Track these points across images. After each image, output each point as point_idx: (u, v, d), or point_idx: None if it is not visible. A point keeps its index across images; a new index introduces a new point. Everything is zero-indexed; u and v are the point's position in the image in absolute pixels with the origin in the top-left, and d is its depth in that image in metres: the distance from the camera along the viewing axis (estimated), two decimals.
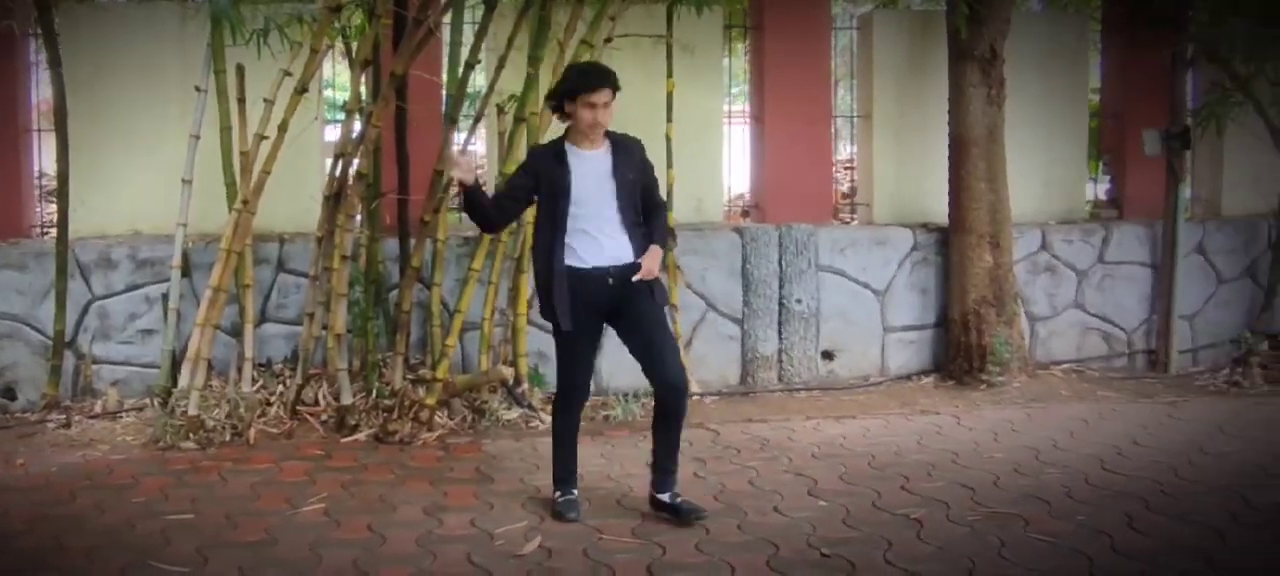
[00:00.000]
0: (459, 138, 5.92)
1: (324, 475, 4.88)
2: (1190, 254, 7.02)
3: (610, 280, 4.15)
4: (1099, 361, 7.00)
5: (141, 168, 6.26)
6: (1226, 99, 6.74)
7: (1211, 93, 6.93)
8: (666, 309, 4.72)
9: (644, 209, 4.27)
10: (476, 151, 6.73)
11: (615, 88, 4.15)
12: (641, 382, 6.27)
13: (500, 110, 5.98)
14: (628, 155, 4.24)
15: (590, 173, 4.15)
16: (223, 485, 4.76)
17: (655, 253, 4.19)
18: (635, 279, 4.12)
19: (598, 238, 4.15)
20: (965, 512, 4.35)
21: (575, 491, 4.36)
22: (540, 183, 4.20)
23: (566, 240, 4.15)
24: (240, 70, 5.61)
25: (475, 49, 5.75)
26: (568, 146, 4.20)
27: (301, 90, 5.43)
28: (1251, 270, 7.19)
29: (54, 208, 6.85)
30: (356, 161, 5.64)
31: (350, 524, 4.26)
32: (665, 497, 4.25)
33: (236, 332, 5.90)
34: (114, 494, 4.64)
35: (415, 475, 4.89)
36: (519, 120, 5.74)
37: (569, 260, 4.15)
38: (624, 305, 4.20)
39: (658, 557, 3.89)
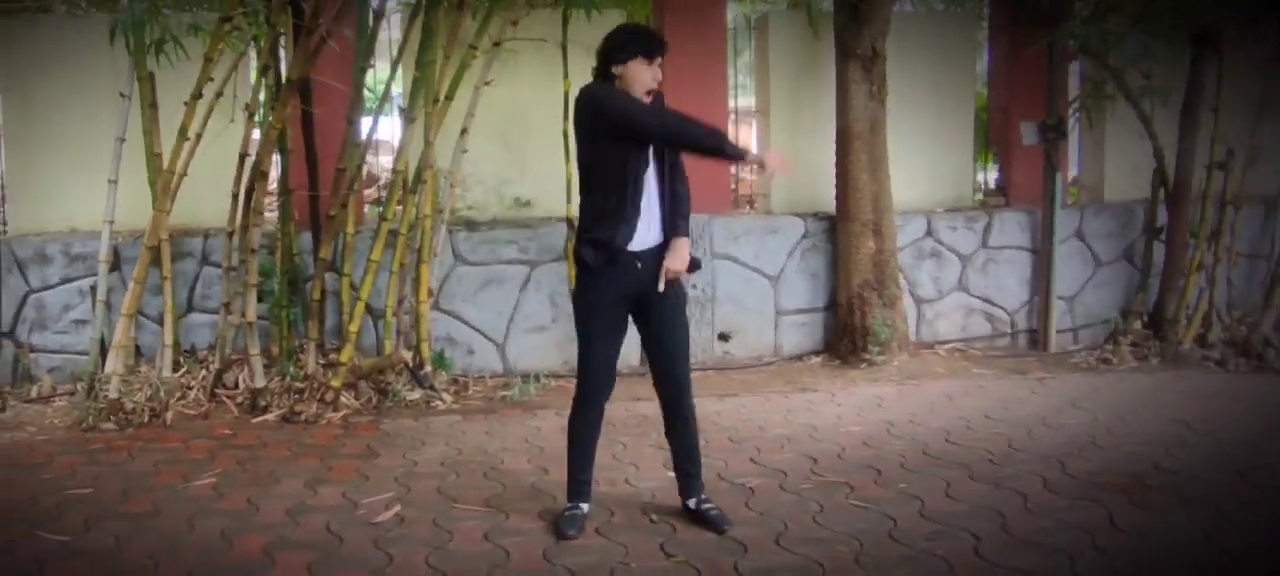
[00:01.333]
0: (362, 136, 6.16)
1: (225, 452, 5.16)
2: (1069, 238, 7.24)
3: (639, 265, 3.78)
4: (983, 341, 7.24)
5: (75, 168, 6.53)
6: (1100, 92, 6.94)
7: (1088, 86, 7.13)
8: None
9: (672, 178, 3.82)
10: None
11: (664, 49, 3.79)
12: (545, 364, 6.64)
13: (402, 110, 6.23)
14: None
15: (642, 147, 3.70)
16: (130, 462, 5.03)
17: (683, 245, 3.78)
18: (666, 276, 3.76)
19: (641, 215, 3.72)
20: (799, 481, 4.58)
21: (584, 505, 4.04)
22: (614, 126, 3.67)
23: (627, 214, 3.68)
24: (151, 78, 5.87)
25: (365, 54, 5.99)
26: None
27: (196, 96, 5.69)
28: (1128, 253, 7.40)
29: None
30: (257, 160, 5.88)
31: (233, 496, 4.53)
32: (691, 503, 4.03)
33: (163, 321, 6.17)
34: (27, 472, 4.91)
35: (309, 452, 5.16)
36: (409, 121, 6.00)
37: (623, 239, 3.71)
38: (648, 293, 3.82)
39: (500, 522, 4.16)
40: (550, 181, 6.72)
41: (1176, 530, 3.92)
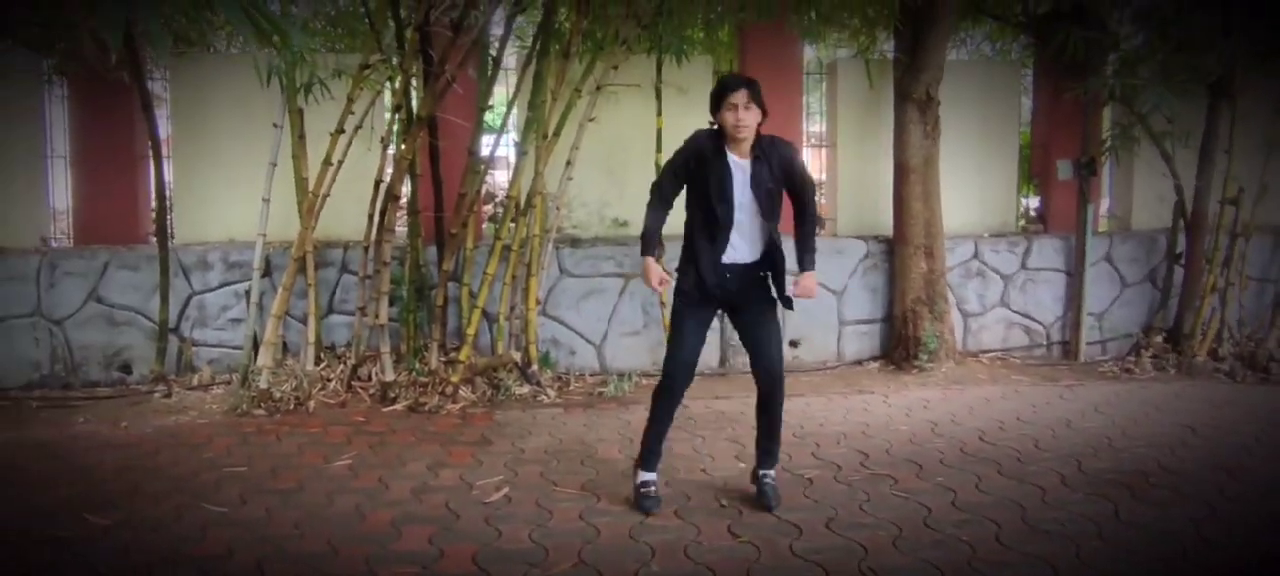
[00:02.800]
0: (481, 165, 5.86)
1: (359, 437, 4.87)
2: (1098, 262, 6.74)
3: (728, 275, 3.69)
4: (1021, 351, 6.73)
5: (233, 186, 6.32)
6: (1128, 134, 6.46)
7: (1118, 128, 6.65)
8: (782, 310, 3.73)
9: (796, 211, 3.81)
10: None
11: (753, 90, 3.61)
12: (637, 364, 6.27)
13: (516, 144, 5.93)
14: (769, 164, 3.66)
15: (736, 177, 3.63)
16: (278, 444, 4.77)
17: (810, 280, 3.80)
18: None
19: (733, 236, 3.66)
20: (850, 474, 4.25)
21: (654, 475, 3.89)
22: (694, 164, 3.65)
23: (707, 229, 3.65)
24: (299, 112, 5.63)
25: (485, 97, 5.71)
26: (725, 145, 3.66)
27: (340, 130, 5.43)
28: (1151, 275, 6.87)
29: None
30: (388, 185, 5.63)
31: (366, 476, 4.24)
32: (759, 473, 3.89)
33: (307, 321, 5.93)
34: (191, 450, 4.68)
35: (431, 438, 4.86)
36: (522, 153, 5.69)
37: (704, 250, 3.66)
38: (741, 301, 3.74)
39: (593, 505, 3.82)
40: (644, 205, 6.33)
41: (1171, 521, 3.69)
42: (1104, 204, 7.44)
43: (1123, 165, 7.01)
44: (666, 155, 6.21)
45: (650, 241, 3.66)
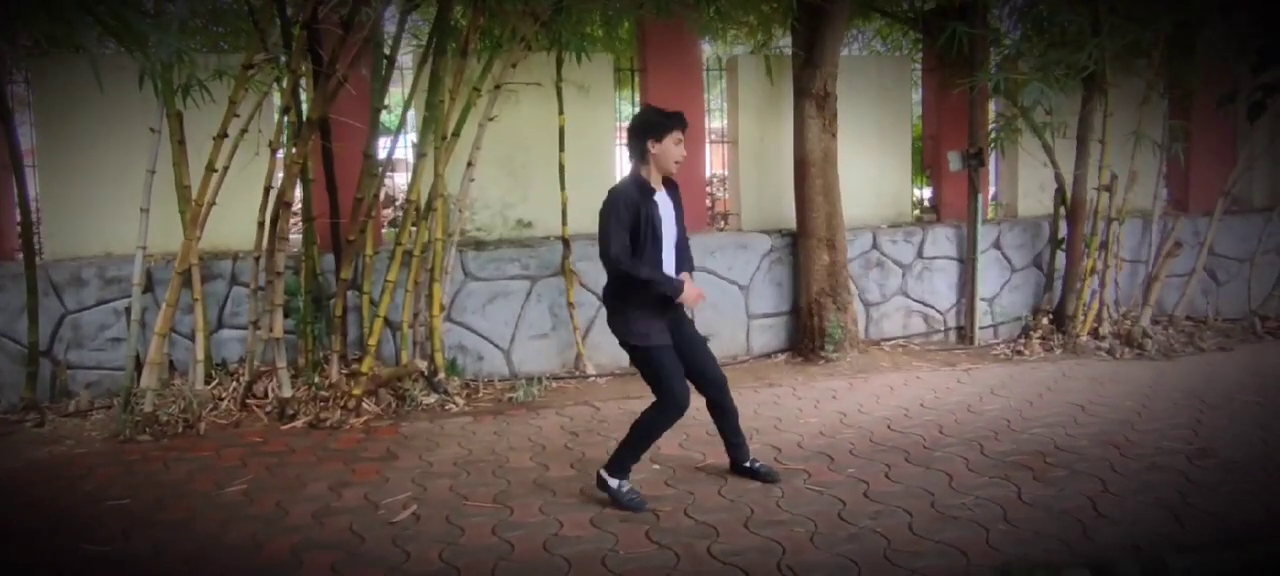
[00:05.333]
0: (377, 168, 5.60)
1: (255, 459, 4.57)
2: (988, 249, 6.95)
3: (674, 300, 3.76)
4: (920, 337, 6.88)
5: (108, 197, 5.86)
6: (1011, 126, 6.68)
7: (1002, 121, 6.87)
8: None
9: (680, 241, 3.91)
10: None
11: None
12: (546, 367, 6.11)
13: (413, 145, 5.68)
14: (677, 195, 3.86)
15: (663, 208, 3.73)
16: (165, 472, 4.42)
17: (692, 283, 3.86)
18: (689, 303, 3.79)
19: (667, 265, 3.76)
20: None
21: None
22: (637, 218, 3.64)
23: (661, 265, 3.72)
24: (179, 116, 5.25)
25: (379, 97, 5.45)
26: (647, 184, 3.70)
27: (222, 134, 5.09)
28: (1037, 260, 7.13)
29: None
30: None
31: (262, 501, 3.97)
32: (746, 465, 4.06)
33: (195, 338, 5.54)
34: (67, 483, 4.29)
35: (333, 456, 4.60)
36: (421, 155, 5.46)
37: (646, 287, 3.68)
38: (675, 323, 3.82)
39: (506, 519, 3.67)
40: (548, 205, 6.22)
41: (1069, 499, 3.76)
42: (991, 193, 7.68)
43: (1007, 156, 7.25)
44: (571, 154, 6.12)
45: (665, 275, 3.70)
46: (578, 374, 6.15)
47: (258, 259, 5.46)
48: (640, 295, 3.67)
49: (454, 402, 5.51)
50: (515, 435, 4.88)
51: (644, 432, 3.77)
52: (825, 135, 6.31)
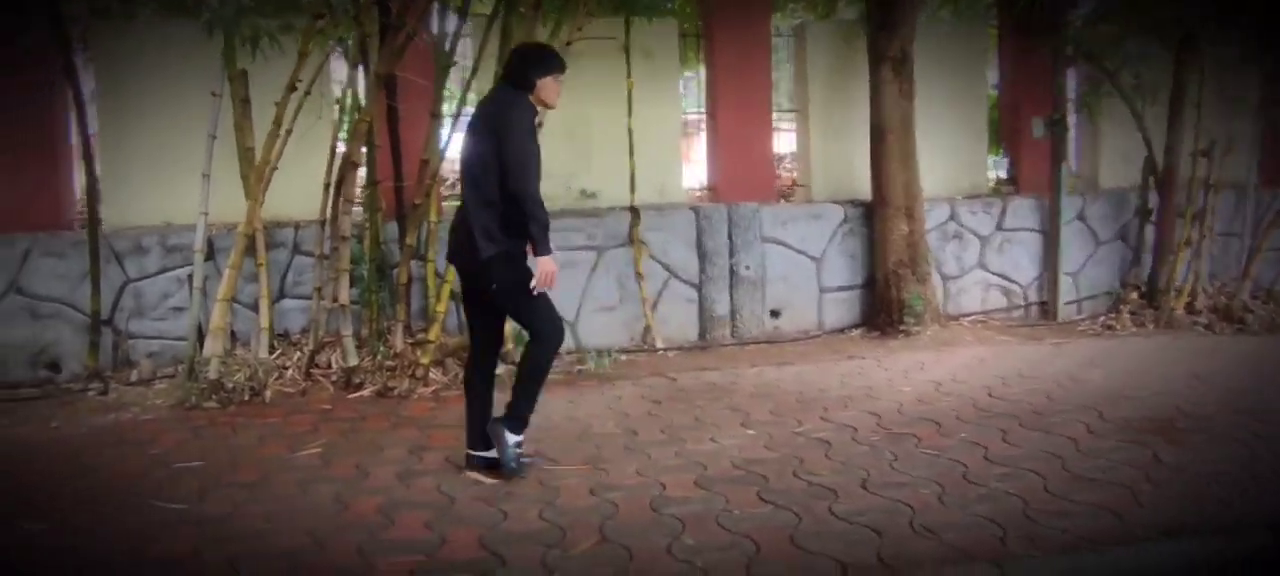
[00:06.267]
0: (444, 131, 5.40)
1: (326, 425, 4.39)
2: (1072, 221, 6.62)
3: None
4: (1000, 312, 6.57)
5: (167, 165, 5.70)
6: (1097, 90, 6.36)
7: (1087, 86, 6.55)
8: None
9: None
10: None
11: None
12: (613, 341, 5.88)
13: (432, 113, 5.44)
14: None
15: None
16: (234, 436, 4.25)
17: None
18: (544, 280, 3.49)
19: None
20: (869, 434, 3.98)
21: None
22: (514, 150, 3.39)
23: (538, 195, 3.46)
24: (243, 75, 5.09)
25: (449, 53, 5.24)
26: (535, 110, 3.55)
27: (291, 88, 4.90)
28: (1123, 233, 6.79)
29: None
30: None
31: (340, 463, 3.78)
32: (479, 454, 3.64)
33: (258, 307, 5.38)
34: (136, 448, 4.13)
35: (406, 423, 4.40)
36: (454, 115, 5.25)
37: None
38: None
39: (602, 481, 3.44)
40: (612, 175, 5.99)
41: (1215, 462, 3.51)
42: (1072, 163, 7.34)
43: (1089, 125, 6.91)
44: (640, 121, 5.89)
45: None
46: (646, 347, 5.90)
47: (323, 224, 5.28)
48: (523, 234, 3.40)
49: None
50: (592, 404, 4.66)
51: (539, 374, 3.53)
52: (903, 101, 6.03)
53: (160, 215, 5.77)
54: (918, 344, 5.81)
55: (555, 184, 6.09)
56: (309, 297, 5.55)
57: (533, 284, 3.42)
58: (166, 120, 5.69)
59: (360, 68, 5.17)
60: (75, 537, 3.05)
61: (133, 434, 4.36)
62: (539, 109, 3.57)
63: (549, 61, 3.54)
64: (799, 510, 3.06)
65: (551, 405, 4.63)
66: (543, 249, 3.39)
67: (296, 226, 5.68)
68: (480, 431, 3.57)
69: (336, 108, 5.23)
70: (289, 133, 5.10)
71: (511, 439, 3.46)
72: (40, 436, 4.39)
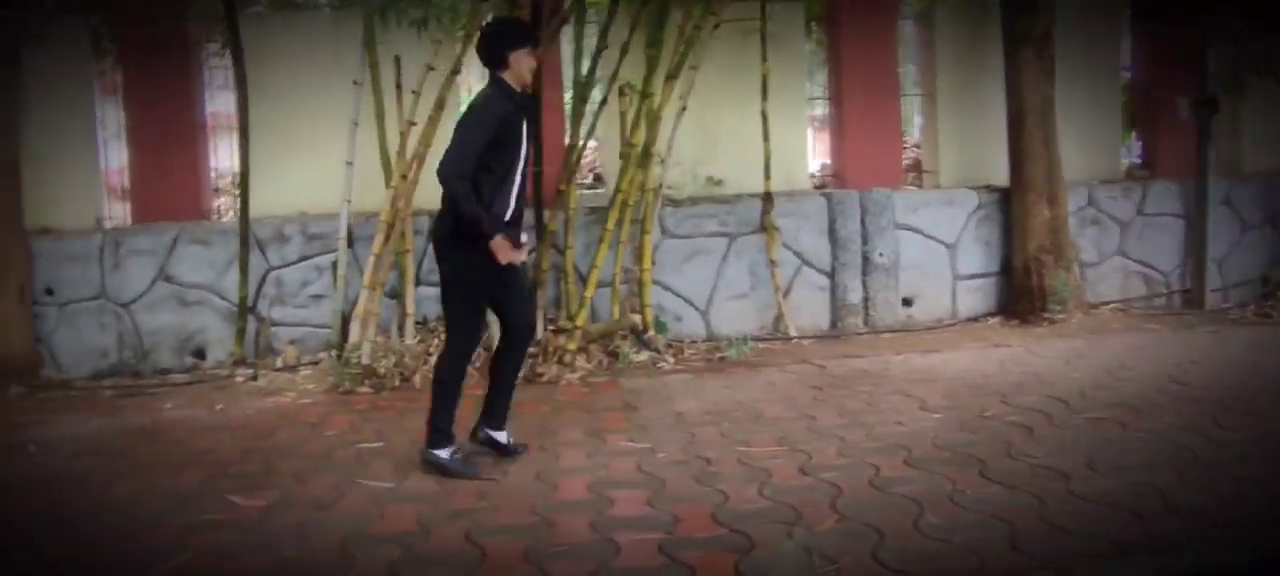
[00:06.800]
0: (586, 120, 5.39)
1: None
2: (1218, 206, 6.38)
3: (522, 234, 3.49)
4: (1141, 301, 6.36)
5: (306, 159, 5.78)
6: (1243, 70, 6.11)
7: (1230, 65, 6.30)
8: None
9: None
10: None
11: None
12: (745, 329, 5.81)
13: (622, 92, 5.44)
14: (534, 112, 3.58)
15: (523, 125, 3.37)
16: (401, 420, 4.27)
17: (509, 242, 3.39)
18: (503, 257, 3.28)
19: (517, 186, 3.38)
20: (1067, 418, 3.82)
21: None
22: (502, 132, 3.27)
23: (512, 191, 3.34)
24: (396, 60, 5.13)
25: (604, 36, 5.22)
26: (513, 91, 3.36)
27: (455, 72, 4.92)
28: (1272, 219, 6.52)
29: (226, 196, 6.48)
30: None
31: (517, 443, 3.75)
32: (492, 435, 3.62)
33: (394, 295, 5.42)
34: (309, 429, 4.18)
35: (567, 407, 4.39)
36: (645, 96, 5.21)
37: (510, 211, 3.34)
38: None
39: (806, 462, 3.36)
40: (739, 162, 5.93)
41: None
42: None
43: (1229, 107, 6.65)
44: (774, 105, 5.82)
45: (491, 218, 3.26)
46: (778, 334, 5.83)
47: None
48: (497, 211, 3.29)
49: (665, 361, 5.25)
50: (751, 389, 4.60)
51: (442, 389, 3.42)
52: (1044, 82, 5.87)
53: (295, 204, 5.84)
54: (1065, 332, 5.64)
55: (682, 172, 6.07)
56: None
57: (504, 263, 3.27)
58: (305, 109, 5.77)
59: None
60: (299, 513, 3.07)
61: (300, 416, 4.41)
62: (519, 86, 3.39)
63: (520, 35, 3.42)
64: (1034, 491, 2.96)
65: (710, 391, 4.58)
66: (484, 232, 3.21)
67: (430, 215, 5.71)
68: (491, 408, 3.59)
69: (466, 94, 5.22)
70: (442, 109, 5.12)
71: (443, 453, 3.39)
72: (212, 418, 4.46)
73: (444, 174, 3.21)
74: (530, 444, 3.75)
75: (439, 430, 3.40)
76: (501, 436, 3.61)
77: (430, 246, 5.48)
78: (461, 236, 3.26)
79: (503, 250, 3.23)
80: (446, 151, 3.24)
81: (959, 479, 3.09)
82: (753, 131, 5.83)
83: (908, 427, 3.75)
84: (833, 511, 2.85)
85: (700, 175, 6.10)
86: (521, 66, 3.36)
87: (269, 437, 4.05)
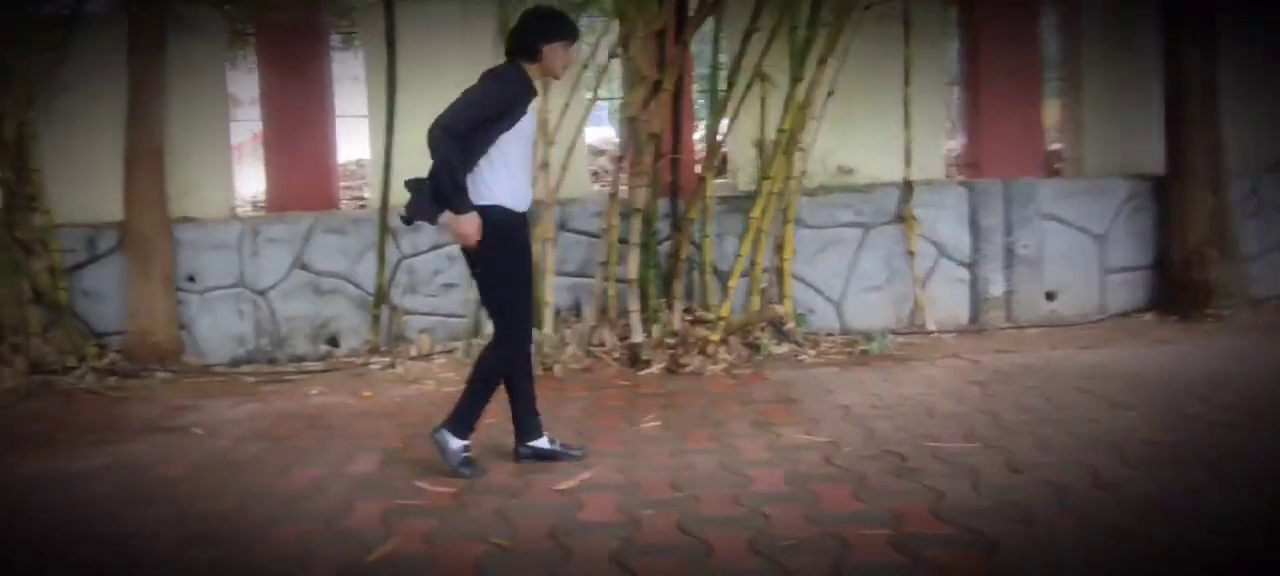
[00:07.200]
0: (726, 108, 5.26)
1: (641, 400, 4.29)
2: None
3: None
4: None
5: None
6: None
7: None
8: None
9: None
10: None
11: None
12: (880, 323, 5.63)
13: (762, 78, 5.30)
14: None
15: (534, 115, 3.27)
16: (557, 409, 4.19)
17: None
18: (460, 236, 3.15)
19: (527, 179, 3.28)
20: None
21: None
22: (513, 112, 3.13)
23: (523, 180, 3.23)
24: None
25: (755, 18, 5.08)
26: (531, 82, 3.22)
27: (613, 55, 4.85)
28: None
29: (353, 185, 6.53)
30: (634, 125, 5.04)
31: (693, 435, 3.67)
32: (539, 444, 3.41)
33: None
34: None
35: (722, 399, 4.27)
36: (796, 80, 5.07)
37: (521, 203, 3.22)
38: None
39: (1010, 458, 3.17)
40: (870, 151, 5.76)
41: None
42: None
43: None
44: (917, 88, 5.62)
45: (464, 192, 3.10)
46: (915, 328, 5.63)
47: (614, 195, 5.21)
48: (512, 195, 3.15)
49: (806, 353, 5.11)
50: (908, 383, 4.42)
51: (494, 381, 3.30)
52: (1206, 65, 5.56)
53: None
54: (1234, 328, 5.33)
55: (812, 161, 5.89)
56: (573, 274, 5.52)
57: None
58: (428, 98, 5.73)
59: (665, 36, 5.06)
60: (506, 501, 3.01)
61: (448, 405, 4.36)
62: (539, 79, 3.25)
63: (559, 27, 3.21)
64: None
65: (866, 384, 4.42)
66: (459, 203, 3.06)
67: (560, 204, 5.65)
68: (519, 416, 3.39)
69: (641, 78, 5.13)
70: (594, 98, 5.07)
71: (455, 444, 3.25)
72: (362, 405, 4.47)
73: (432, 127, 3.01)
74: (700, 434, 3.64)
75: (464, 419, 3.28)
76: (543, 442, 3.38)
77: (568, 239, 5.51)
78: (490, 226, 3.10)
79: (470, 235, 3.08)
80: (446, 110, 3.06)
81: (1191, 482, 2.88)
82: (886, 118, 5.66)
83: (1105, 425, 3.53)
84: (1066, 512, 2.67)
85: (830, 164, 5.92)
86: (554, 60, 3.20)
87: (428, 425, 4.01)
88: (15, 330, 5.21)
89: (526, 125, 3.17)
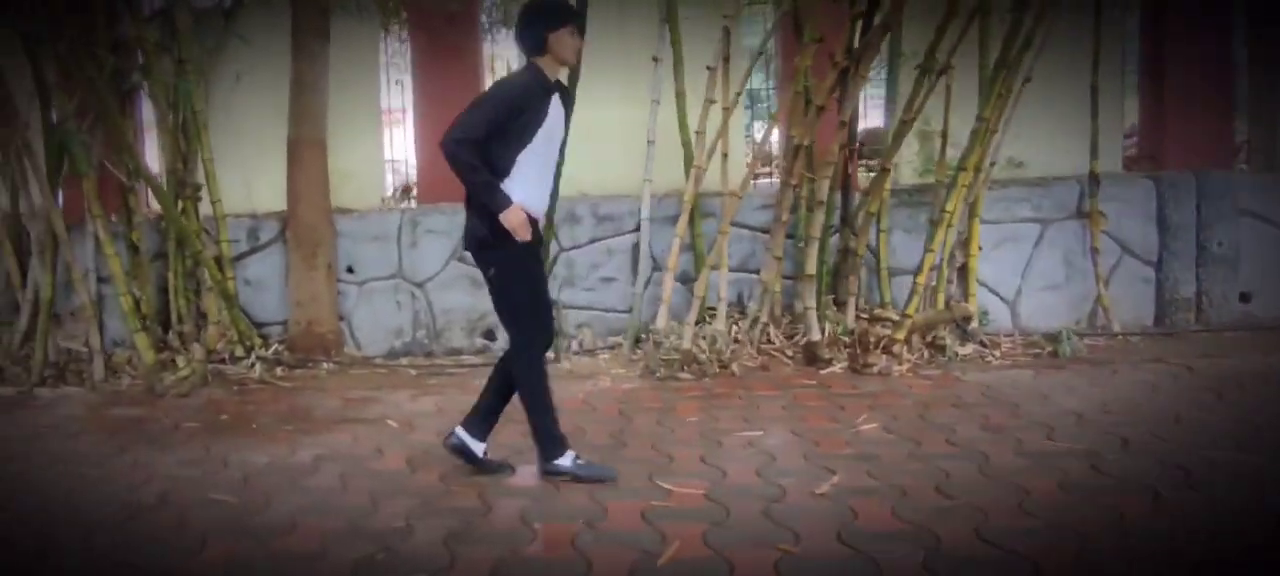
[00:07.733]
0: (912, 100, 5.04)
1: (850, 402, 4.09)
2: None
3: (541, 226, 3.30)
4: None
5: (584, 136, 5.62)
6: None
7: None
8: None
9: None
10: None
11: None
12: (1057, 323, 5.33)
13: (944, 69, 5.05)
14: (567, 99, 3.38)
15: (554, 112, 3.15)
16: (750, 408, 4.04)
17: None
18: (516, 232, 3.06)
19: (551, 175, 3.21)
20: None
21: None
22: (531, 109, 3.07)
23: (544, 181, 3.17)
24: (726, 32, 4.92)
25: (954, 4, 4.86)
26: (546, 79, 3.14)
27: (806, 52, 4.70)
28: None
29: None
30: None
31: (928, 440, 3.48)
32: (469, 442, 3.30)
33: (682, 280, 5.24)
34: (661, 415, 3.99)
35: (931, 402, 4.06)
36: (1003, 67, 4.84)
37: (537, 205, 3.16)
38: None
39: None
40: (1046, 140, 5.49)
41: None
42: None
43: None
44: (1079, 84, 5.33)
45: (502, 192, 3.04)
46: (1097, 329, 5.34)
47: (795, 186, 5.03)
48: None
49: (991, 354, 4.87)
50: (1121, 387, 4.17)
51: (530, 396, 3.19)
52: None
53: (578, 186, 5.72)
54: None
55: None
56: (734, 270, 5.36)
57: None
58: (587, 81, 5.64)
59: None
60: (770, 504, 2.87)
61: (637, 401, 4.26)
62: (556, 73, 3.15)
63: (560, 13, 3.13)
64: None
65: (1077, 388, 4.17)
66: (497, 204, 3.00)
67: (719, 197, 5.50)
68: (481, 406, 3.30)
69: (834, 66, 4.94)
70: (738, 96, 4.91)
71: (564, 464, 3.15)
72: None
73: (446, 138, 2.98)
74: (931, 438, 3.45)
75: (550, 438, 3.19)
76: (480, 447, 3.28)
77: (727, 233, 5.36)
78: (502, 234, 3.04)
79: (521, 225, 3.02)
80: (457, 119, 3.02)
81: None
82: (1059, 108, 5.39)
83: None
84: None
85: (999, 157, 5.66)
86: (563, 47, 3.13)
87: (627, 423, 3.91)
88: (182, 319, 5.25)
89: (553, 123, 3.12)
